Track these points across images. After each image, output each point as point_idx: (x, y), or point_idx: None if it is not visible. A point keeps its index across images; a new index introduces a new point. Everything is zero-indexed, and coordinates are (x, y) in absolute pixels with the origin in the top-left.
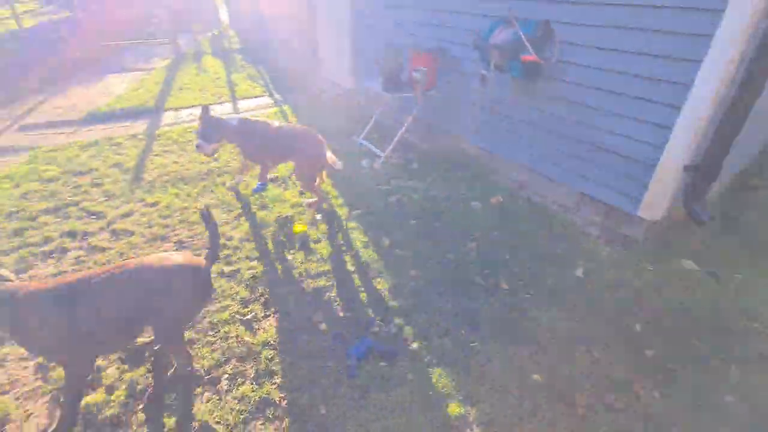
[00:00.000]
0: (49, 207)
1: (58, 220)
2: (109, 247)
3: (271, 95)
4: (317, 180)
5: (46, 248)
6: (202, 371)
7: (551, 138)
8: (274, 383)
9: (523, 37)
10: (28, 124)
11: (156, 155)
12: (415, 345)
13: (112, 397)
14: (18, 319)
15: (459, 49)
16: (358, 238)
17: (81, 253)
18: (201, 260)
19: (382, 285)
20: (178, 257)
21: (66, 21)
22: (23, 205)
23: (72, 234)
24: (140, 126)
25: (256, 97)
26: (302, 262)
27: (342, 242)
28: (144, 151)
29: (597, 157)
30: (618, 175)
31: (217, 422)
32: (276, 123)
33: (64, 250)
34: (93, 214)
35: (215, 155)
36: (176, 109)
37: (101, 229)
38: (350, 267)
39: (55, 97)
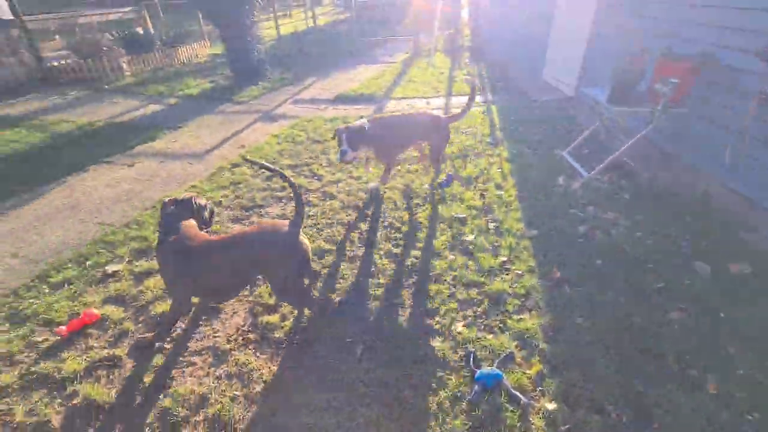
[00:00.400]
0: (291, 163)
1: (293, 175)
2: (317, 205)
3: (483, 94)
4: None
5: (279, 194)
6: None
7: None
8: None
9: None
10: (299, 99)
11: None
12: (550, 405)
13: (285, 323)
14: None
15: (734, 58)
16: (525, 260)
17: None
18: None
19: (534, 320)
20: (284, 224)
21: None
22: (277, 158)
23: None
24: (367, 110)
25: (467, 94)
26: (460, 267)
27: (505, 259)
28: None
29: None
30: None
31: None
32: (398, 113)
33: (289, 200)
34: (316, 176)
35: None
36: (398, 99)
37: (317, 189)
38: (503, 286)
39: (323, 80)
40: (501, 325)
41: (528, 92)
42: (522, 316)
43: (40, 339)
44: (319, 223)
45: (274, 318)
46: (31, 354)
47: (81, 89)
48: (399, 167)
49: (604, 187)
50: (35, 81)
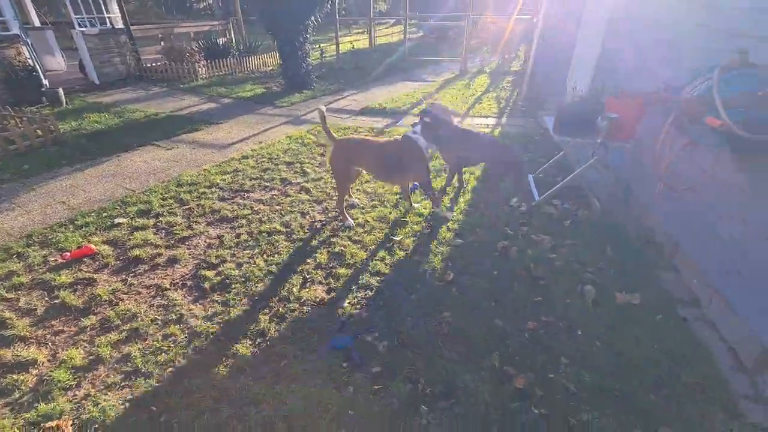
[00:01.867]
0: (287, 160)
1: (286, 169)
2: (290, 195)
3: (500, 118)
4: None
5: (266, 183)
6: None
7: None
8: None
9: (715, 91)
10: (329, 108)
11: None
12: (374, 369)
13: (217, 278)
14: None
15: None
16: (430, 262)
17: (276, 193)
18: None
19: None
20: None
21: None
22: (280, 155)
23: (284, 180)
24: (384, 122)
25: (484, 116)
26: (376, 259)
27: (419, 259)
28: None
29: None
30: None
31: None
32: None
33: (270, 189)
34: (303, 173)
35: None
36: (414, 116)
37: (297, 183)
38: (399, 278)
39: (360, 93)
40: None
41: (541, 119)
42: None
43: (52, 259)
44: (284, 210)
45: (210, 273)
46: (42, 267)
47: (162, 86)
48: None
49: (554, 213)
50: (133, 78)
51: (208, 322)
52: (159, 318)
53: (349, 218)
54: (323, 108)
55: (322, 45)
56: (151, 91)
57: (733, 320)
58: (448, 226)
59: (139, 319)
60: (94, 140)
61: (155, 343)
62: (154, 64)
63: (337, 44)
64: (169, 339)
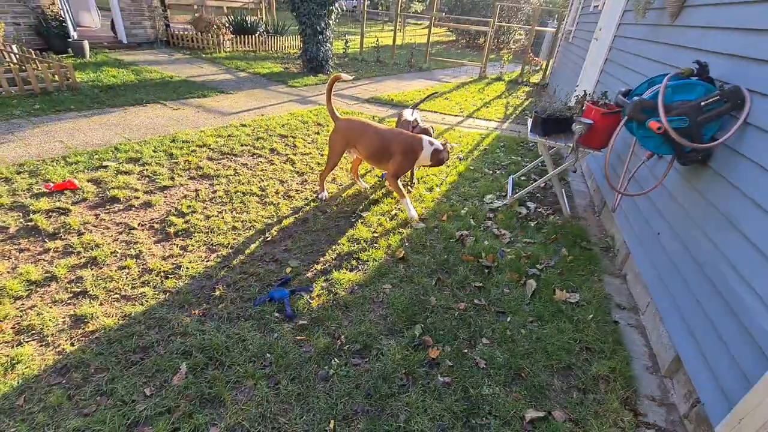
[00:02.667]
0: (282, 133)
1: (278, 141)
2: (274, 164)
3: (502, 122)
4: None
5: (256, 151)
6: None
7: (682, 259)
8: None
9: (660, 96)
10: (339, 94)
11: None
12: (304, 322)
13: (185, 225)
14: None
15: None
16: (389, 243)
17: (262, 160)
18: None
19: (355, 275)
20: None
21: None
22: (276, 128)
23: (273, 150)
24: (388, 112)
25: (487, 119)
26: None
27: (377, 236)
28: None
29: (717, 311)
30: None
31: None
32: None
33: (257, 156)
34: (294, 147)
35: None
36: (418, 110)
37: (285, 154)
38: (351, 248)
39: (373, 84)
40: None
41: None
42: (344, 272)
43: (37, 188)
44: (264, 176)
45: (177, 220)
46: (26, 194)
47: (186, 54)
48: None
49: (523, 213)
50: (160, 43)
51: (163, 262)
52: (119, 251)
53: (325, 191)
54: (347, 75)
55: (349, 37)
56: (174, 57)
57: (662, 328)
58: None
59: (100, 249)
60: (106, 92)
61: (108, 271)
62: (182, 32)
63: (362, 36)
64: (123, 270)
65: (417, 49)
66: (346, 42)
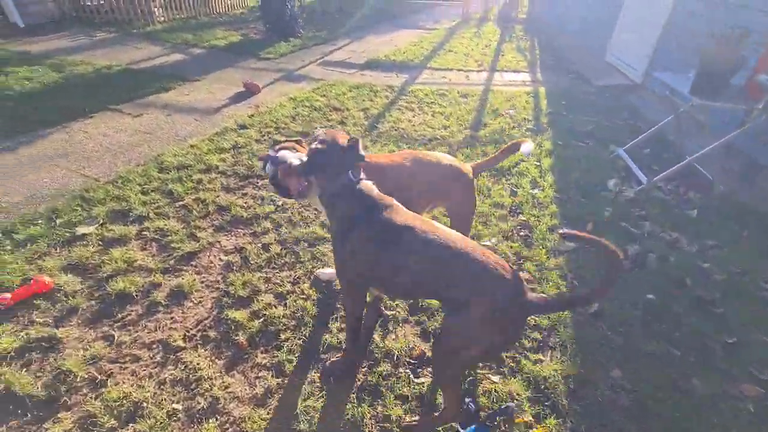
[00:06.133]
0: (299, 130)
1: (298, 139)
2: None
3: (532, 72)
4: None
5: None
6: None
7: None
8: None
9: None
10: (328, 61)
11: (397, 109)
12: None
13: (252, 323)
14: None
15: None
16: (554, 281)
17: None
18: None
19: (555, 365)
20: None
21: None
22: (288, 123)
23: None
24: (399, 79)
25: (515, 71)
26: None
27: (530, 277)
28: (391, 102)
29: None
30: None
31: None
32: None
33: None
34: None
35: None
36: (434, 69)
37: None
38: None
39: (357, 42)
40: (513, 365)
41: (585, 75)
42: (540, 357)
43: None
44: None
45: (242, 315)
46: None
47: (110, 31)
48: None
49: (667, 199)
50: (69, 20)
51: (260, 410)
52: (180, 410)
53: None
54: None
55: None
56: (96, 38)
57: None
58: (540, 220)
59: (145, 411)
60: (26, 104)
61: None
62: (96, 2)
63: None
64: None
65: None
66: None
